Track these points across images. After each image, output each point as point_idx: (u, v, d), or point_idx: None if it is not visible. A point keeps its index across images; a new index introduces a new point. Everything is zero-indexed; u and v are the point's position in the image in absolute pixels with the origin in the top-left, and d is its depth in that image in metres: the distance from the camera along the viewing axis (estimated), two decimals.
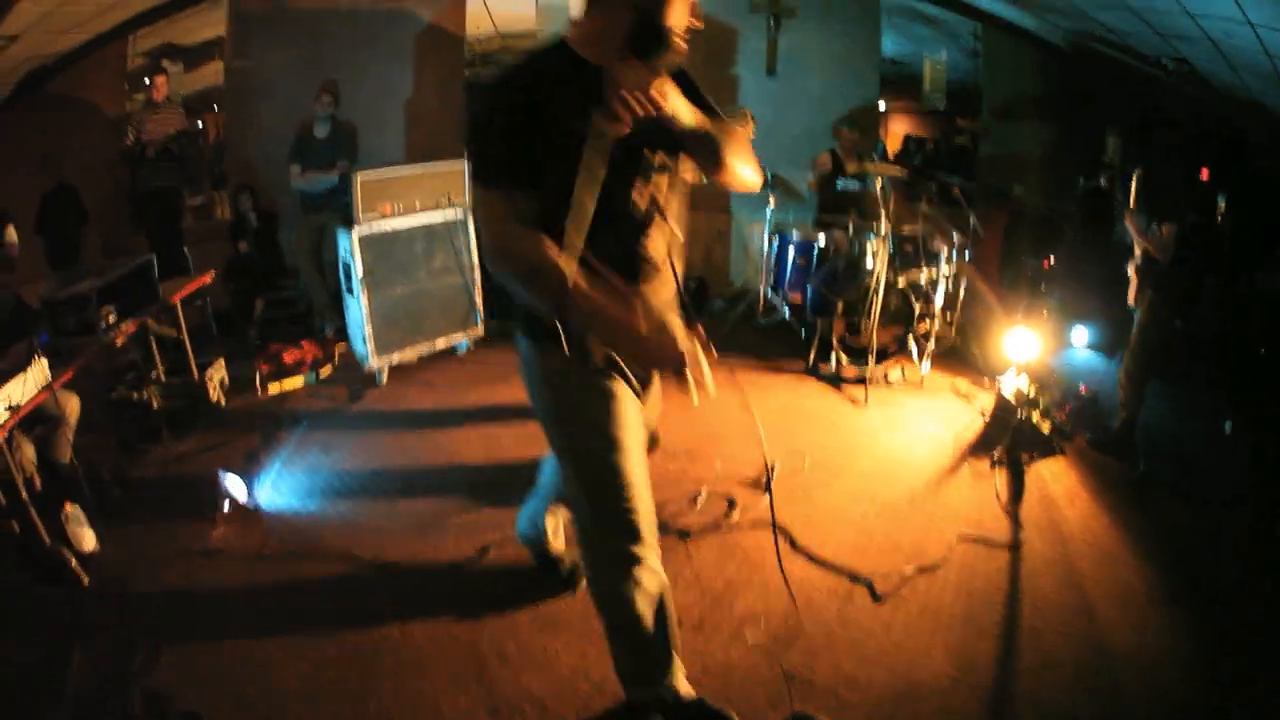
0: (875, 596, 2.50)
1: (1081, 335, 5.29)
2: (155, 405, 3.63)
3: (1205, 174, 6.76)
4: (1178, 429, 3.95)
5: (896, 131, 11.18)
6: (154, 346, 3.89)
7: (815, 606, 2.46)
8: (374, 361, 4.04)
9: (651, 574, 1.72)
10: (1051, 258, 5.23)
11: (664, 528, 2.75)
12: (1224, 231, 5.06)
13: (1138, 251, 3.64)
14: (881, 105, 11.47)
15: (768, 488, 3.06)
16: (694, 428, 3.60)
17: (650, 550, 1.71)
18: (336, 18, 5.22)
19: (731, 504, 3.00)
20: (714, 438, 3.53)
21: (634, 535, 1.67)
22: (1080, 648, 2.36)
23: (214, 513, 2.94)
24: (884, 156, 8.31)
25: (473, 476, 3.26)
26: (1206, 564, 2.80)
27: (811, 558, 2.69)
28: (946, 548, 2.75)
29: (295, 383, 4.17)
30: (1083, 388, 4.20)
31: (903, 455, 3.52)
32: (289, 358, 4.26)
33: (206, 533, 2.85)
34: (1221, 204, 3.75)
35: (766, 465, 3.24)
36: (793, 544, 2.75)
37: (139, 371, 3.85)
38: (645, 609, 1.73)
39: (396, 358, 4.13)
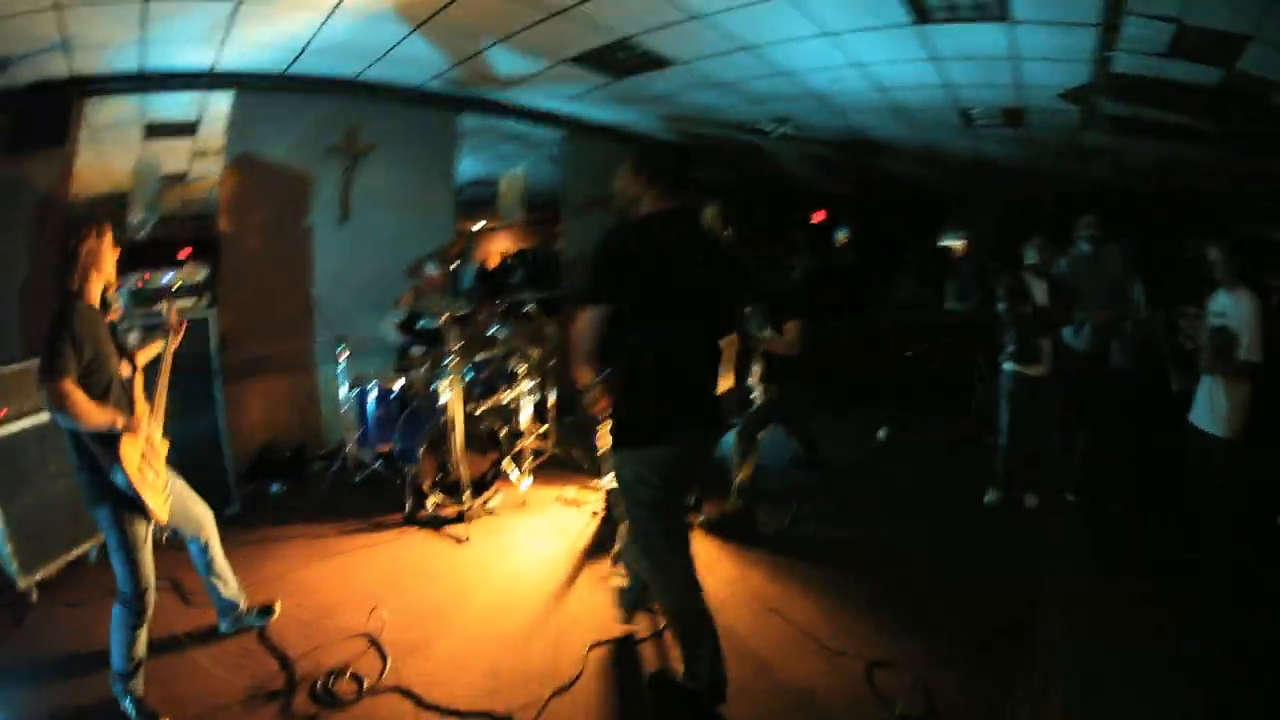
0: None
1: None
2: None
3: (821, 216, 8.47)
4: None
5: (495, 250, 11.54)
6: None
7: None
8: (22, 581, 3.12)
9: None
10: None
11: None
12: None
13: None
14: (478, 225, 11.68)
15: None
16: (304, 602, 3.14)
17: None
18: None
19: (357, 678, 2.58)
20: (327, 610, 3.09)
21: None
22: (758, 705, 2.43)
23: None
24: (481, 279, 8.28)
25: None
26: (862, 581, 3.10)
27: (445, 710, 2.43)
28: (580, 661, 2.70)
29: None
30: None
31: (517, 581, 3.37)
32: None
33: None
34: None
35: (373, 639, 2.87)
36: (420, 703, 2.46)
37: None
38: None
39: (40, 574, 3.21)
